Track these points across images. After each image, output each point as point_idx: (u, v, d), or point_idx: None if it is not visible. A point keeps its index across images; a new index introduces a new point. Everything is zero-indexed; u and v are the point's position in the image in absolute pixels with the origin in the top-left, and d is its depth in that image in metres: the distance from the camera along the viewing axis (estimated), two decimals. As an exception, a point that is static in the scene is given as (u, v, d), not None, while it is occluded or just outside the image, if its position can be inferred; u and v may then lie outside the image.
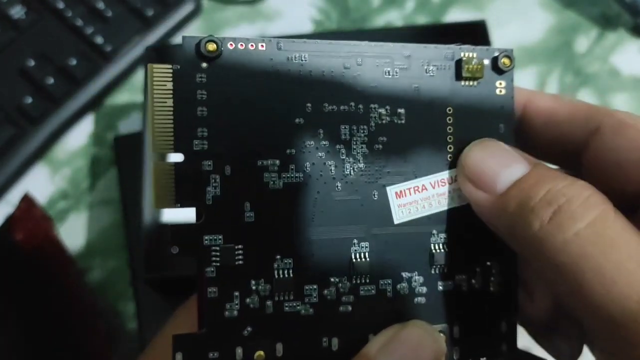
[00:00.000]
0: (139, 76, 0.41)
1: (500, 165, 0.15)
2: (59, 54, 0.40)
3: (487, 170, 0.15)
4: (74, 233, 0.37)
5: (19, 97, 0.38)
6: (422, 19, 0.43)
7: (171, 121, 0.16)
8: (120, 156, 0.37)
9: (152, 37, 0.41)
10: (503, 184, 0.15)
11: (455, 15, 0.43)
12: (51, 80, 0.39)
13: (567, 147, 0.17)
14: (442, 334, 0.18)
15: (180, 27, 0.42)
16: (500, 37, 0.41)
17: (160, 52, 0.37)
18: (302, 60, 0.17)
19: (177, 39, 0.42)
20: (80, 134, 0.40)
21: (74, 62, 0.39)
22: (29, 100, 0.38)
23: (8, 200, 0.38)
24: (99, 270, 0.36)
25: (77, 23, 0.40)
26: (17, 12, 0.41)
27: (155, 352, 0.18)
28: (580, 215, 0.13)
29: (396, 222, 0.18)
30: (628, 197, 0.16)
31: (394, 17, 0.43)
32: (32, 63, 0.39)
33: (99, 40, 0.40)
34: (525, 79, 0.41)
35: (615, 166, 0.16)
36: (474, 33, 0.38)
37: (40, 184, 0.38)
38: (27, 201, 0.35)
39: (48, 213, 0.36)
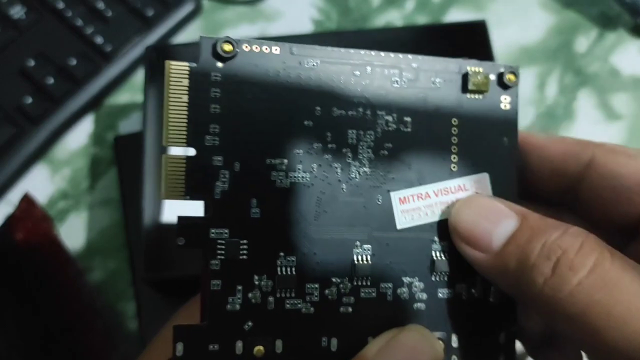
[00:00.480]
0: (139, 76, 0.41)
1: (491, 223, 0.16)
2: (59, 54, 0.40)
3: (481, 231, 0.16)
4: (74, 233, 0.37)
5: (19, 97, 0.38)
6: (422, 19, 0.43)
7: (185, 116, 0.17)
8: (121, 156, 0.37)
9: (152, 37, 0.41)
10: (498, 241, 0.15)
11: (455, 15, 0.43)
12: (51, 80, 0.39)
13: (563, 182, 0.18)
14: (440, 341, 0.18)
15: (180, 27, 0.42)
16: (500, 37, 0.41)
17: (161, 52, 0.37)
18: (313, 66, 0.18)
19: (177, 39, 0.42)
20: (80, 134, 0.40)
21: (74, 62, 0.39)
22: (29, 100, 0.38)
23: (8, 200, 0.38)
24: (99, 270, 0.36)
25: (77, 23, 0.40)
26: (17, 12, 0.41)
27: (154, 352, 0.18)
28: (580, 265, 0.13)
29: (399, 227, 0.18)
30: (627, 222, 0.16)
31: (394, 17, 0.43)
32: (32, 63, 0.39)
33: (99, 40, 0.40)
34: (525, 79, 0.41)
35: (611, 193, 0.17)
36: (474, 33, 0.38)
37: (40, 183, 0.38)
38: (27, 201, 0.35)
39: (48, 213, 0.36)
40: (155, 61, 0.36)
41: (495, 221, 0.16)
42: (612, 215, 0.17)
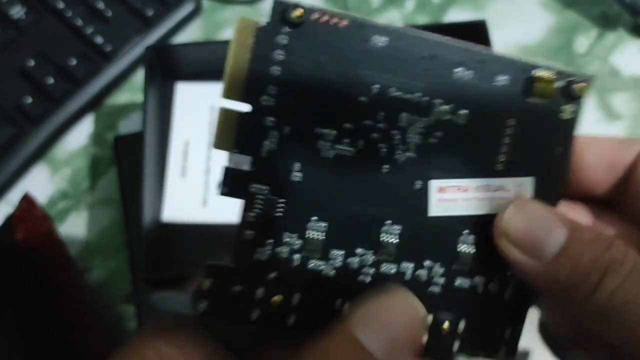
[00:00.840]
0: (139, 76, 0.41)
1: (544, 231, 0.16)
2: (59, 54, 0.40)
3: (534, 238, 0.17)
4: (74, 233, 0.37)
5: (19, 97, 0.38)
6: (422, 19, 0.43)
7: (246, 73, 0.18)
8: (121, 156, 0.37)
9: (152, 37, 0.41)
10: (551, 251, 0.16)
11: (455, 15, 0.43)
12: (51, 80, 0.39)
13: (615, 174, 0.19)
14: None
15: (180, 27, 0.42)
16: (500, 37, 0.41)
17: (161, 52, 0.37)
18: (379, 44, 0.18)
19: (177, 39, 0.42)
20: (81, 134, 0.40)
21: (74, 62, 0.39)
22: (29, 100, 0.38)
23: (8, 200, 0.38)
24: (99, 270, 0.36)
25: (77, 23, 0.40)
26: (17, 12, 0.41)
27: None
28: (620, 272, 0.16)
29: (431, 214, 0.19)
30: None
31: (393, 17, 0.43)
32: (32, 63, 0.39)
33: (99, 40, 0.40)
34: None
35: None
36: (474, 33, 0.38)
37: (40, 183, 0.38)
38: (27, 201, 0.35)
39: (48, 213, 0.36)
40: (155, 61, 0.36)
41: (548, 230, 0.16)
42: None
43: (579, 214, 0.20)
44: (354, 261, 0.18)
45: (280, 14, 0.18)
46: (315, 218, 0.18)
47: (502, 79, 0.19)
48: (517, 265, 0.17)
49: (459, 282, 0.19)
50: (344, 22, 0.18)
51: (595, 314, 0.16)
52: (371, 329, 0.15)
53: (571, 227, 0.17)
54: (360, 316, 0.15)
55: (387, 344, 0.15)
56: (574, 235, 0.16)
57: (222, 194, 0.18)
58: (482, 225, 0.19)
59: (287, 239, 0.18)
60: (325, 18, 0.18)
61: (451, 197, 0.19)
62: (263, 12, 0.43)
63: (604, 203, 0.20)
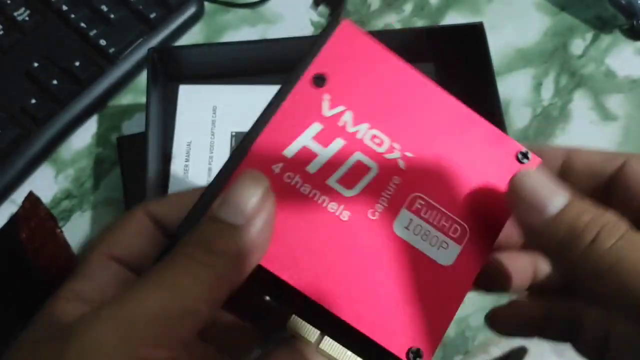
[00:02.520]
0: (142, 78, 0.42)
1: (549, 192, 0.19)
2: (63, 56, 0.40)
3: (540, 196, 0.19)
4: (77, 232, 0.38)
5: (24, 99, 0.39)
6: (420, 22, 0.44)
7: None
8: (124, 156, 0.38)
9: (155, 40, 0.41)
10: (553, 209, 0.18)
11: (453, 18, 0.44)
12: (55, 82, 0.39)
13: (600, 181, 0.21)
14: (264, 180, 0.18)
15: (182, 29, 0.43)
16: (497, 40, 0.42)
17: (163, 55, 0.37)
18: None
19: (179, 42, 0.43)
20: (84, 135, 0.40)
21: (77, 64, 0.40)
22: (34, 101, 0.39)
23: (13, 199, 0.38)
24: (102, 268, 0.37)
25: (81, 25, 0.41)
26: (21, 14, 0.41)
27: None
28: (615, 233, 0.17)
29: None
30: None
31: (392, 20, 0.44)
32: (36, 65, 0.40)
33: (102, 42, 0.41)
34: (521, 81, 0.42)
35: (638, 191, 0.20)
36: (471, 36, 0.38)
37: (44, 183, 0.39)
38: (31, 200, 0.36)
39: (52, 212, 0.37)
40: (157, 63, 0.37)
41: (552, 192, 0.19)
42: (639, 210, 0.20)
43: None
44: None
45: None
46: None
47: None
48: (523, 219, 0.19)
49: None
50: None
51: (588, 270, 0.18)
52: (227, 205, 0.17)
53: (572, 194, 0.19)
54: (220, 200, 0.18)
55: (241, 213, 0.17)
56: (574, 199, 0.19)
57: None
58: None
59: None
60: None
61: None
62: (264, 15, 0.44)
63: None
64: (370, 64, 0.20)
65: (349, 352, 0.19)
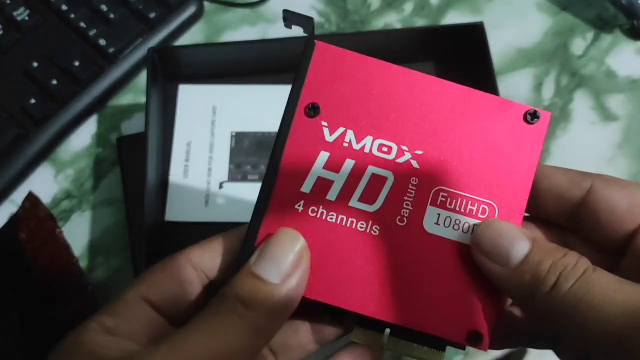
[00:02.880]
0: (142, 78, 0.42)
1: (509, 242, 0.19)
2: (62, 56, 0.40)
3: (500, 248, 0.19)
4: (77, 232, 0.38)
5: (23, 99, 0.39)
6: (420, 22, 0.44)
7: None
8: (123, 156, 0.38)
9: (155, 39, 0.41)
10: (515, 259, 0.19)
11: (453, 17, 0.44)
12: (55, 82, 0.39)
13: (567, 206, 0.21)
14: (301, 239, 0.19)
15: (182, 29, 0.43)
16: (497, 39, 0.41)
17: (163, 54, 0.37)
18: None
19: (179, 41, 0.43)
20: (84, 135, 0.40)
21: (77, 63, 0.40)
22: (33, 101, 0.39)
23: (12, 199, 0.38)
24: (101, 269, 0.37)
25: (80, 25, 0.41)
26: (21, 14, 0.41)
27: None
28: (573, 275, 0.18)
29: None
30: (619, 241, 0.20)
31: (392, 20, 0.44)
32: (35, 65, 0.40)
33: (102, 42, 0.41)
34: (522, 81, 0.42)
35: (606, 216, 0.20)
36: (472, 35, 0.38)
37: (44, 184, 0.39)
38: (31, 200, 0.36)
39: (52, 212, 0.37)
40: (157, 63, 0.37)
41: (512, 241, 0.19)
42: (607, 236, 0.20)
43: (540, 235, 0.22)
44: None
45: None
46: None
47: None
48: (488, 271, 0.19)
49: None
50: None
51: (553, 312, 0.18)
52: (263, 261, 0.18)
53: (533, 240, 0.19)
54: (256, 255, 0.19)
55: (278, 270, 0.18)
56: (535, 246, 0.19)
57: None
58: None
59: None
60: None
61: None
62: (264, 14, 0.44)
63: (564, 226, 0.22)
64: (353, 76, 0.20)
65: (415, 345, 0.20)
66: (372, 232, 0.20)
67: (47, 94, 0.39)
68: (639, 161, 0.40)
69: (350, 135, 0.20)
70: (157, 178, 0.36)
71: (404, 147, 0.20)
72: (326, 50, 0.20)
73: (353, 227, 0.20)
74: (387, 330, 0.20)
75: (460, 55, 0.39)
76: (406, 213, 0.20)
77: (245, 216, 0.37)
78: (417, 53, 0.39)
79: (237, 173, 0.37)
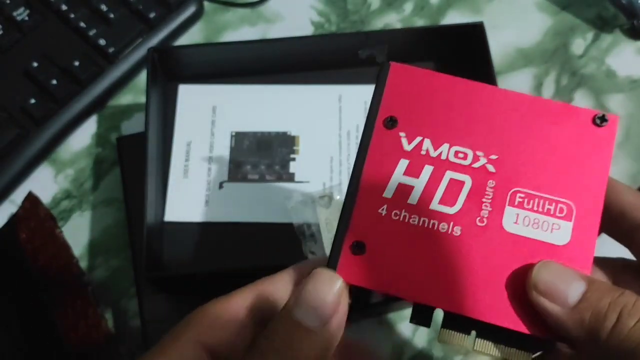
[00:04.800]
0: (141, 78, 0.42)
1: (566, 283, 0.20)
2: (62, 56, 0.40)
3: (558, 288, 0.19)
4: (77, 232, 0.38)
5: (23, 98, 0.39)
6: (420, 22, 0.44)
7: None
8: (123, 156, 0.38)
9: (155, 39, 0.41)
10: (573, 298, 0.19)
11: (453, 17, 0.44)
12: (55, 82, 0.39)
13: (624, 226, 0.22)
14: (339, 279, 0.20)
15: (182, 29, 0.43)
16: (498, 39, 0.41)
17: (163, 54, 0.37)
18: None
19: (179, 41, 0.43)
20: (84, 135, 0.40)
21: (77, 63, 0.40)
22: (33, 101, 0.39)
23: (12, 200, 0.38)
24: (102, 268, 0.37)
25: (80, 25, 0.41)
26: (20, 14, 0.41)
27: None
28: (634, 314, 0.19)
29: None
30: None
31: (392, 20, 0.44)
32: (35, 65, 0.40)
33: (102, 42, 0.41)
34: (522, 81, 0.42)
35: None
36: (472, 35, 0.38)
37: (44, 184, 0.39)
38: (31, 200, 0.36)
39: (52, 212, 0.37)
40: (157, 63, 0.37)
41: (569, 282, 0.20)
42: None
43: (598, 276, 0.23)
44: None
45: None
46: None
47: None
48: (546, 312, 0.20)
49: None
50: None
51: (618, 350, 0.18)
52: (302, 307, 0.18)
53: (588, 280, 0.20)
54: (294, 299, 0.19)
55: (318, 317, 0.18)
56: (591, 286, 0.20)
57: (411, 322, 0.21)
58: None
59: None
60: None
61: None
62: (263, 14, 0.44)
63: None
64: (426, 90, 0.22)
65: (502, 346, 0.20)
66: (453, 232, 0.20)
67: (47, 94, 0.39)
68: (639, 161, 0.40)
69: (427, 144, 0.21)
70: (157, 178, 0.36)
71: (479, 153, 0.21)
72: (401, 70, 0.22)
73: (435, 228, 0.21)
74: (473, 333, 0.20)
75: (460, 55, 0.39)
76: (486, 214, 0.21)
77: (246, 216, 0.37)
78: (417, 53, 0.39)
79: (237, 173, 0.37)
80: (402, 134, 0.21)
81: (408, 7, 0.44)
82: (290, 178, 0.36)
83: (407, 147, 0.21)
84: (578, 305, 0.19)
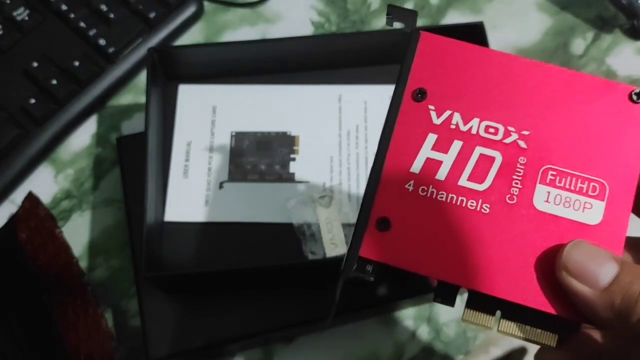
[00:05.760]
0: (141, 78, 0.42)
1: (598, 265, 0.19)
2: (62, 56, 0.40)
3: (589, 269, 0.19)
4: (77, 232, 0.38)
5: (23, 98, 0.39)
6: (420, 22, 0.44)
7: None
8: (123, 156, 0.38)
9: (155, 39, 0.41)
10: (604, 280, 0.19)
11: (453, 17, 0.44)
12: (55, 82, 0.39)
13: None
14: None
15: (182, 29, 0.43)
16: (498, 39, 0.41)
17: (163, 54, 0.37)
18: None
19: (179, 41, 0.43)
20: (84, 135, 0.40)
21: (77, 63, 0.40)
22: (33, 101, 0.39)
23: (12, 199, 0.38)
24: (102, 268, 0.37)
25: (80, 25, 0.41)
26: (20, 14, 0.41)
27: None
28: None
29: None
30: None
31: (392, 19, 0.44)
32: (35, 65, 0.40)
33: (101, 42, 0.41)
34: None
35: None
36: (472, 35, 0.38)
37: (44, 183, 0.39)
38: (31, 200, 0.36)
39: (52, 212, 0.37)
40: (157, 63, 0.37)
41: (601, 263, 0.19)
42: None
43: (628, 257, 0.22)
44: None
45: None
46: None
47: None
48: (576, 293, 0.19)
49: None
50: None
51: None
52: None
53: (621, 262, 0.19)
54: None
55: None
56: (624, 268, 0.19)
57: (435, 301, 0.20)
58: None
59: None
60: None
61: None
62: (263, 14, 0.44)
63: None
64: (457, 62, 0.21)
65: (527, 327, 0.20)
66: (482, 210, 0.20)
67: (46, 93, 0.39)
68: None
69: (457, 117, 0.20)
70: (157, 178, 0.36)
71: (510, 128, 0.20)
72: (431, 40, 0.21)
73: (463, 205, 0.20)
74: (498, 313, 0.20)
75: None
76: (516, 192, 0.20)
77: (245, 216, 0.37)
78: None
79: (237, 173, 0.37)
80: (431, 107, 0.21)
81: (408, 7, 0.44)
82: (290, 178, 0.36)
83: (436, 120, 0.20)
84: (609, 287, 0.19)
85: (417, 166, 0.20)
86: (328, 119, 0.38)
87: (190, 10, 0.42)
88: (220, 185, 0.36)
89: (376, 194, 0.20)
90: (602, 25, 0.43)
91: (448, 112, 0.21)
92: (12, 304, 0.34)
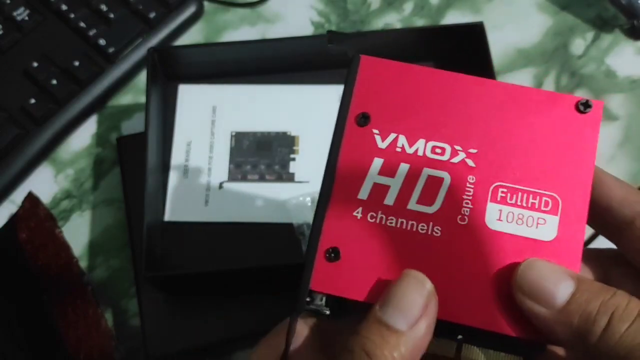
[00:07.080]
0: (141, 77, 0.42)
1: (553, 283, 0.18)
2: (62, 56, 0.40)
3: (544, 289, 0.18)
4: (77, 232, 0.38)
5: (23, 98, 0.39)
6: (420, 22, 0.44)
7: None
8: (123, 156, 0.38)
9: (155, 39, 0.41)
10: (560, 300, 0.18)
11: (453, 17, 0.44)
12: (55, 82, 0.39)
13: (613, 222, 0.20)
14: (429, 282, 0.19)
15: (182, 29, 0.43)
16: (497, 39, 0.41)
17: (163, 54, 0.37)
18: None
19: (179, 41, 0.43)
20: (84, 135, 0.40)
21: (77, 63, 0.40)
22: (33, 101, 0.39)
23: (12, 199, 0.38)
24: (101, 268, 0.37)
25: (80, 25, 0.41)
26: (20, 14, 0.41)
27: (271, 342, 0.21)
28: (627, 316, 0.18)
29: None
30: None
31: (392, 20, 0.44)
32: (35, 65, 0.40)
33: (101, 42, 0.41)
34: (522, 81, 0.42)
35: None
36: (472, 35, 0.38)
37: (44, 184, 0.39)
38: (31, 200, 0.36)
39: (52, 212, 0.37)
40: (157, 63, 0.37)
41: (557, 282, 0.18)
42: None
43: (586, 272, 0.22)
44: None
45: None
46: None
47: None
48: (533, 315, 0.19)
49: None
50: None
51: (608, 356, 0.17)
52: (391, 309, 0.18)
53: (578, 279, 0.19)
54: (383, 301, 0.18)
55: (406, 318, 0.18)
56: (580, 286, 0.18)
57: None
58: None
59: None
60: None
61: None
62: (263, 14, 0.44)
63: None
64: (400, 83, 0.21)
65: (490, 351, 0.19)
66: (434, 233, 0.19)
67: (47, 93, 0.39)
68: (639, 161, 0.40)
69: (402, 140, 0.20)
70: (157, 178, 0.36)
71: (457, 147, 0.20)
72: (371, 63, 0.21)
73: (414, 229, 0.19)
74: (459, 338, 0.19)
75: (460, 55, 0.39)
76: (467, 212, 0.20)
77: (246, 216, 0.37)
78: (417, 53, 0.39)
79: (237, 173, 0.37)
80: (375, 130, 0.20)
81: (408, 7, 0.44)
82: (290, 178, 0.36)
83: (381, 144, 0.20)
84: (566, 307, 0.18)
85: (364, 192, 0.20)
86: (328, 119, 0.38)
87: (190, 10, 0.43)
88: (220, 185, 0.36)
89: (324, 223, 0.19)
90: (602, 25, 0.43)
91: (393, 135, 0.20)
92: (12, 303, 0.34)
